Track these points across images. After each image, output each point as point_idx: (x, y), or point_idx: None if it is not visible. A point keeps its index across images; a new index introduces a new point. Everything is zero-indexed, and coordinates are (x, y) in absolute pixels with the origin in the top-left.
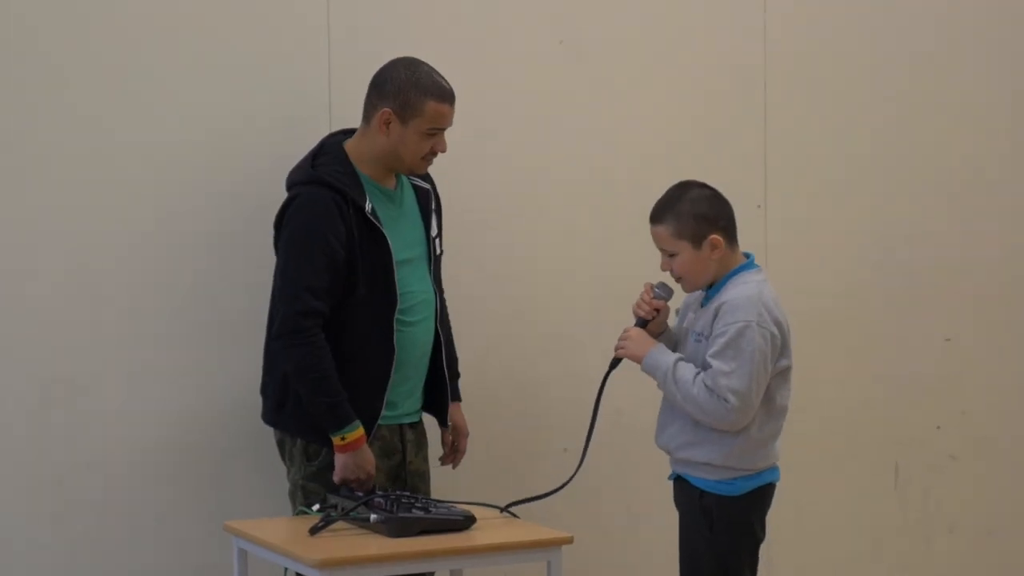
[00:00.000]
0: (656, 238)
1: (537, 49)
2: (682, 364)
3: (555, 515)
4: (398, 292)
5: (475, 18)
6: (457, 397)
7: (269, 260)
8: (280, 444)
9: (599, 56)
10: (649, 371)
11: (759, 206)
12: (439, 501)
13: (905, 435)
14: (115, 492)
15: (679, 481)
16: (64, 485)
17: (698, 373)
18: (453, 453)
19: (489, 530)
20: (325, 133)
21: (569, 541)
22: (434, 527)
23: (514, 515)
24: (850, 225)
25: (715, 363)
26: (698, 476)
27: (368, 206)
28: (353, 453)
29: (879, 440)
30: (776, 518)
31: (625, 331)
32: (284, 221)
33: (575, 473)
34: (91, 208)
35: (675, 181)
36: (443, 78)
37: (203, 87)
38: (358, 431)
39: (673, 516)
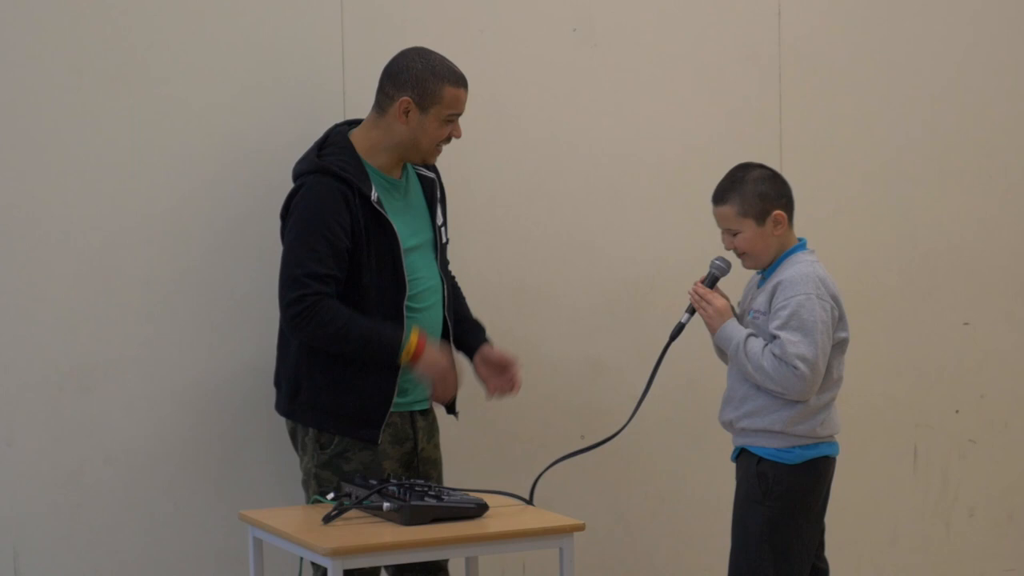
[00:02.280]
0: (721, 218)
1: (550, 37)
2: (752, 338)
3: (572, 502)
4: (407, 279)
5: (487, 7)
6: (488, 341)
7: (279, 249)
8: (292, 434)
9: (612, 44)
10: (722, 342)
11: None
12: (452, 489)
13: (924, 419)
14: (132, 483)
15: (741, 455)
16: (83, 476)
17: (766, 345)
18: (508, 382)
19: (502, 517)
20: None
21: (581, 528)
22: (447, 515)
23: (529, 502)
24: (869, 213)
25: (781, 334)
26: (758, 445)
27: (374, 195)
28: (425, 360)
29: (899, 424)
30: None
31: (708, 295)
32: (289, 210)
33: (623, 428)
34: (104, 201)
35: (688, 169)
36: (454, 64)
37: (219, 79)
38: (411, 338)
39: (691, 504)
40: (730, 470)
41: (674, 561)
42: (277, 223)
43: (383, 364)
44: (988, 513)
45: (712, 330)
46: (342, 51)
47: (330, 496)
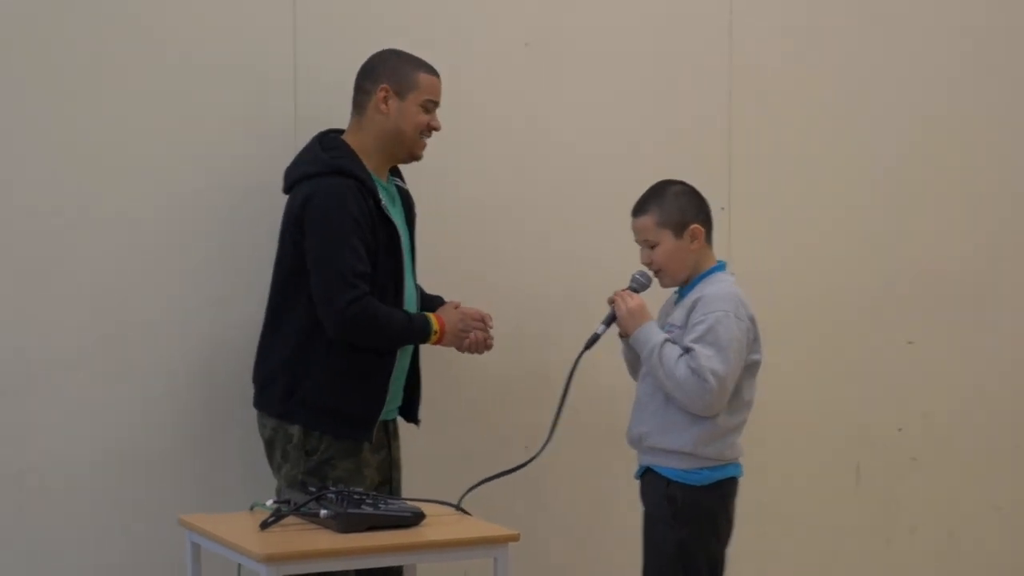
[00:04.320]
0: (639, 230)
1: (503, 51)
2: (668, 344)
3: (510, 513)
4: (405, 290)
5: (442, 22)
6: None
7: (230, 255)
8: (271, 441)
9: (564, 58)
10: (638, 343)
11: (723, 208)
12: (390, 498)
13: (867, 436)
14: (73, 487)
15: (646, 475)
16: (24, 480)
17: (682, 355)
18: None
19: (438, 526)
20: (291, 128)
21: (516, 538)
22: (383, 523)
23: (466, 512)
24: (814, 228)
25: (697, 347)
26: (666, 466)
27: (383, 199)
28: (448, 332)
29: (841, 441)
30: (739, 515)
31: (624, 297)
32: (310, 215)
33: (538, 453)
34: (47, 197)
35: (638, 182)
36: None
37: (177, 86)
38: (433, 320)
39: (627, 515)
40: None
41: (610, 570)
42: (225, 230)
43: (395, 359)
44: (929, 531)
45: (627, 332)
46: (294, 61)
47: (270, 503)
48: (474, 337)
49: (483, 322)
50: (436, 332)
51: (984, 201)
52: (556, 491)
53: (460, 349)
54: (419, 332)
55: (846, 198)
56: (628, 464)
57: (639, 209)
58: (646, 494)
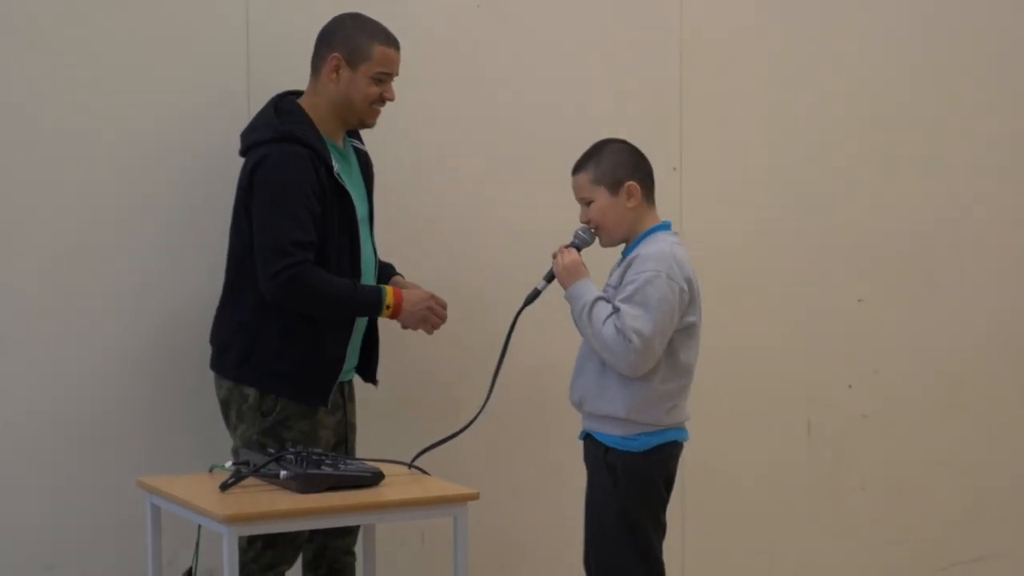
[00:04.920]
0: (576, 187)
1: (456, 13)
2: (601, 302)
3: (467, 473)
4: (363, 257)
5: None
6: (399, 275)
7: (184, 217)
8: (225, 403)
9: (514, 21)
10: (571, 299)
11: (675, 168)
12: (349, 458)
13: (817, 394)
14: (34, 448)
15: (587, 439)
16: None
17: (611, 314)
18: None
19: (398, 486)
20: (239, 93)
21: (475, 497)
22: (342, 483)
23: (425, 472)
24: (765, 189)
25: (623, 307)
26: (603, 432)
27: (335, 166)
28: (406, 309)
29: (792, 399)
30: (690, 475)
31: (565, 251)
32: (257, 180)
33: (478, 414)
34: (6, 177)
35: (588, 143)
36: (386, 27)
37: (126, 52)
38: (388, 294)
39: (578, 475)
40: None
41: (565, 529)
42: (178, 194)
43: (353, 324)
44: (879, 486)
45: (564, 286)
46: (246, 33)
47: (228, 464)
48: (431, 324)
49: (444, 310)
50: (389, 307)
51: (928, 163)
52: (511, 452)
53: (408, 328)
54: (367, 304)
55: (797, 160)
56: (578, 425)
57: (577, 167)
58: (587, 459)
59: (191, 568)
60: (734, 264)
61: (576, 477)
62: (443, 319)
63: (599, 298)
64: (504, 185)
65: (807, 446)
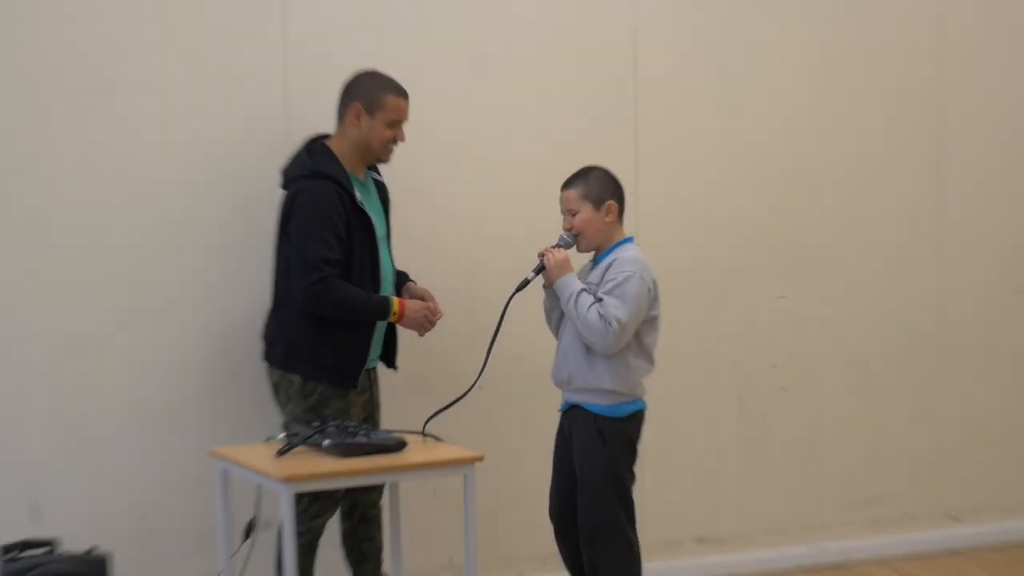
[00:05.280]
0: (565, 200)
1: (453, 68)
2: (584, 293)
3: (473, 440)
4: (381, 270)
5: (404, 46)
6: (412, 281)
7: (243, 237)
8: (276, 387)
9: (500, 74)
10: (560, 289)
11: (632, 193)
12: (378, 430)
13: (747, 372)
14: (125, 428)
15: (576, 410)
16: (86, 425)
17: (594, 303)
18: (433, 310)
19: (417, 452)
20: (280, 135)
21: (480, 459)
22: (373, 450)
23: (438, 439)
24: (704, 206)
25: (607, 298)
26: (593, 403)
27: (358, 196)
28: (408, 316)
29: (727, 376)
30: (649, 436)
31: (553, 251)
32: (295, 209)
33: (473, 384)
34: (101, 196)
35: (560, 172)
36: (397, 81)
37: (186, 103)
38: (394, 303)
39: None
40: None
41: (548, 482)
42: (233, 218)
43: (375, 323)
44: (797, 447)
45: (552, 280)
46: (283, 78)
47: (280, 435)
48: (424, 327)
49: (437, 316)
50: (395, 313)
51: (836, 183)
52: (505, 423)
53: (408, 328)
54: (378, 312)
55: (731, 184)
56: (556, 401)
57: (568, 184)
58: (576, 426)
59: (253, 519)
60: (680, 268)
61: (551, 442)
62: (433, 324)
63: (583, 290)
64: (493, 207)
65: (739, 414)
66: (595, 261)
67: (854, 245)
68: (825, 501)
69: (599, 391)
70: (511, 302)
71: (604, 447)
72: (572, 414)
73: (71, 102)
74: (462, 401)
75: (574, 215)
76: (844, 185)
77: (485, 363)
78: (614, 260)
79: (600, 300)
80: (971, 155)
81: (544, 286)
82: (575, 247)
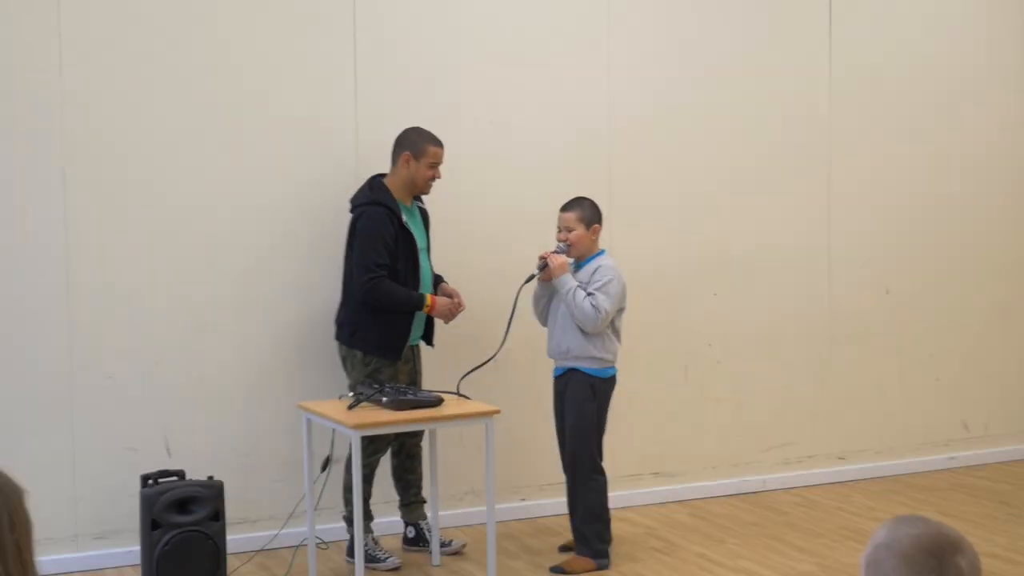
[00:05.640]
0: (565, 220)
1: (477, 126)
2: (578, 289)
3: (493, 397)
4: (421, 273)
5: (445, 111)
6: (444, 282)
7: (323, 247)
8: (344, 359)
9: (512, 130)
10: (560, 284)
11: (608, 218)
12: (422, 390)
13: (690, 349)
14: (239, 384)
15: (572, 372)
16: (204, 381)
17: (587, 296)
18: (457, 304)
19: (452, 407)
20: (352, 174)
21: (497, 412)
22: (419, 405)
23: (467, 397)
24: (660, 229)
25: (597, 293)
26: (587, 367)
27: (404, 218)
28: (437, 309)
29: (675, 352)
30: (615, 399)
31: (554, 255)
32: (357, 228)
33: (495, 353)
34: (219, 219)
35: (552, 202)
36: (434, 134)
37: (288, 151)
38: (428, 298)
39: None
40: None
41: (549, 432)
42: (310, 233)
43: (412, 313)
44: (726, 404)
45: (555, 276)
46: (356, 134)
47: (349, 394)
48: (449, 318)
49: (460, 309)
50: (428, 306)
51: (752, 211)
52: (517, 386)
53: (439, 317)
54: (415, 304)
55: (678, 211)
56: (550, 369)
57: (568, 208)
58: (572, 384)
59: (328, 456)
60: (643, 273)
61: (550, 400)
62: (456, 315)
63: (577, 286)
64: (505, 228)
65: (685, 380)
66: (578, 266)
67: (767, 256)
68: (747, 445)
69: (592, 358)
70: (521, 291)
71: (594, 399)
72: (567, 376)
73: (210, 143)
74: (483, 368)
75: (570, 231)
76: (760, 211)
77: (504, 339)
78: (599, 267)
79: (591, 294)
80: (853, 187)
81: (540, 279)
82: (566, 254)
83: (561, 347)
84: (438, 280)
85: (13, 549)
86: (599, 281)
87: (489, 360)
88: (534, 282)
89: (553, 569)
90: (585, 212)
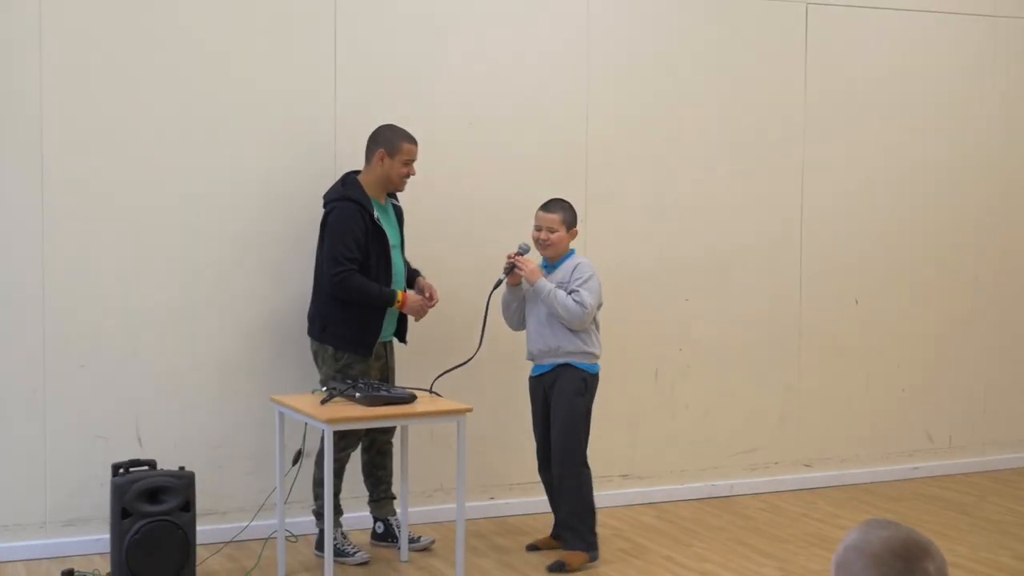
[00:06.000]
0: (546, 220)
1: (457, 127)
2: (558, 289)
3: (466, 396)
4: (393, 270)
5: (422, 109)
6: (421, 276)
7: (298, 243)
8: (316, 354)
9: (490, 131)
10: (539, 287)
11: (583, 220)
12: (395, 387)
13: (661, 353)
14: (213, 379)
15: (563, 367)
16: (180, 373)
17: (569, 293)
18: (430, 297)
19: (424, 404)
20: (329, 171)
21: (470, 411)
22: (391, 401)
23: (439, 395)
24: (633, 235)
25: (581, 290)
26: (579, 362)
27: (375, 215)
28: (408, 305)
29: (647, 355)
30: (597, 394)
31: (525, 261)
32: (328, 223)
33: (470, 358)
34: (193, 213)
35: (529, 203)
36: (408, 131)
37: (262, 144)
38: (399, 294)
39: (526, 396)
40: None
41: (521, 431)
42: (286, 221)
43: (383, 308)
44: (696, 409)
45: (531, 281)
46: (334, 128)
47: (323, 389)
48: (420, 315)
49: (432, 304)
50: (399, 302)
51: (723, 222)
52: (488, 385)
53: (410, 314)
54: (385, 299)
55: (651, 218)
56: (524, 370)
57: (551, 208)
58: (562, 379)
59: (300, 450)
60: (615, 274)
61: (522, 400)
62: (426, 312)
63: (555, 287)
64: (479, 227)
65: (655, 383)
66: (552, 268)
67: (739, 264)
68: (716, 450)
69: (584, 353)
70: (492, 297)
71: (585, 393)
72: (556, 372)
73: (186, 138)
74: (455, 367)
75: (552, 232)
76: (732, 223)
77: (480, 344)
78: (577, 264)
79: (574, 291)
80: (826, 199)
81: (508, 284)
82: (541, 252)
83: (551, 345)
84: (414, 275)
85: None
86: (580, 278)
87: (464, 364)
88: (503, 287)
89: (551, 567)
90: (567, 215)
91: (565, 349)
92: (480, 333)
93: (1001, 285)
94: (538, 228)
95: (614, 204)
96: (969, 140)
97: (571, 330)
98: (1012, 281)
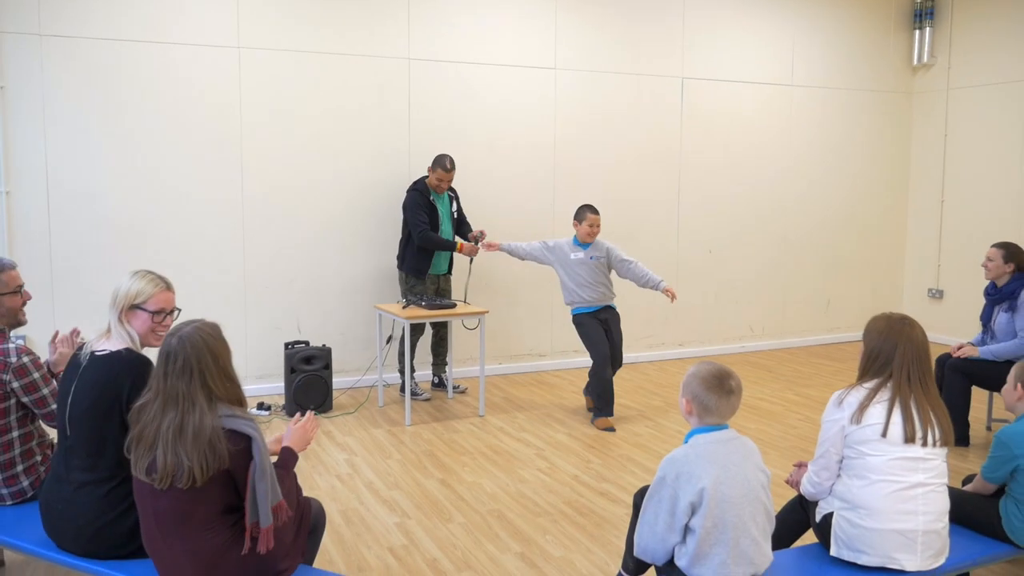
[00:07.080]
0: (597, 221)
1: (480, 145)
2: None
3: (484, 302)
4: (441, 230)
5: (460, 139)
6: (476, 231)
7: (384, 215)
8: (400, 279)
9: (501, 151)
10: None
11: (551, 215)
12: (446, 299)
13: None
14: (342, 294)
15: (609, 308)
16: (324, 289)
17: (634, 262)
18: (477, 248)
19: (461, 308)
20: (405, 173)
21: (487, 312)
22: (442, 307)
23: (469, 304)
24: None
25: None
26: (615, 304)
27: (432, 199)
28: (464, 249)
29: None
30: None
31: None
32: (406, 203)
33: (465, 284)
34: (294, 202)
35: (533, 202)
36: (449, 158)
37: (354, 149)
38: (458, 244)
39: (520, 304)
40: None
41: (532, 336)
42: (374, 209)
43: (433, 252)
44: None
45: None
46: (408, 143)
47: (403, 301)
48: (471, 255)
49: (476, 250)
50: (457, 247)
51: (631, 209)
52: (501, 295)
53: (465, 255)
54: (448, 246)
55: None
56: (516, 292)
57: (597, 212)
58: (611, 315)
59: (391, 335)
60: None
61: (518, 307)
62: (476, 252)
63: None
64: (499, 216)
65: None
66: (587, 246)
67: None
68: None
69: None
70: (473, 261)
71: (619, 321)
72: (607, 310)
73: (290, 141)
74: (476, 284)
75: (599, 227)
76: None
77: (467, 283)
78: (607, 246)
79: (629, 259)
80: (696, 196)
81: (482, 246)
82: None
83: (608, 295)
84: (464, 228)
85: (219, 372)
86: (616, 249)
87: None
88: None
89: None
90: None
91: (610, 296)
92: (466, 278)
93: (799, 241)
94: (594, 225)
95: (576, 198)
96: (787, 172)
97: (604, 284)
98: (806, 240)
